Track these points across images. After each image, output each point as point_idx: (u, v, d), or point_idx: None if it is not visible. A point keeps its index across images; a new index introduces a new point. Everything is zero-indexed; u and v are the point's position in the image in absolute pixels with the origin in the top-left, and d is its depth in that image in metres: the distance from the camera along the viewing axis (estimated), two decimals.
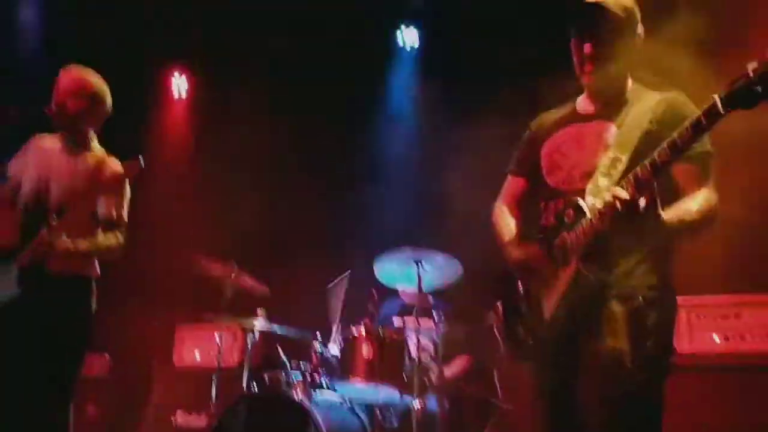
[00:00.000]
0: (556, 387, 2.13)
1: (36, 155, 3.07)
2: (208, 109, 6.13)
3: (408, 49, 5.71)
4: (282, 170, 5.28)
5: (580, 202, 2.03)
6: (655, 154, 1.83)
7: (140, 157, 2.79)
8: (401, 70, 5.65)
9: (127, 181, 2.81)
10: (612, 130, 2.13)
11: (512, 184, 2.46)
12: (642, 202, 1.85)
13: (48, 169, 3.00)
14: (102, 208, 2.93)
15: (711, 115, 1.71)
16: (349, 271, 4.32)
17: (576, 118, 2.27)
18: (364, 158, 5.32)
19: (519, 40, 4.81)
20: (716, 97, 1.69)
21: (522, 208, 2.43)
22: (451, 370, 4.29)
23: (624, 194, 1.85)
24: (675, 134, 1.80)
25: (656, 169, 1.82)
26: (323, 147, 5.39)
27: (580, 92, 2.31)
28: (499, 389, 3.74)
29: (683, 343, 3.66)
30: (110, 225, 2.99)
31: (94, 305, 2.98)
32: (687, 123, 1.78)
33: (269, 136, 5.21)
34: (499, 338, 3.56)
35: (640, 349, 1.94)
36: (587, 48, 2.14)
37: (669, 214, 1.93)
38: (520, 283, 2.23)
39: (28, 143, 3.13)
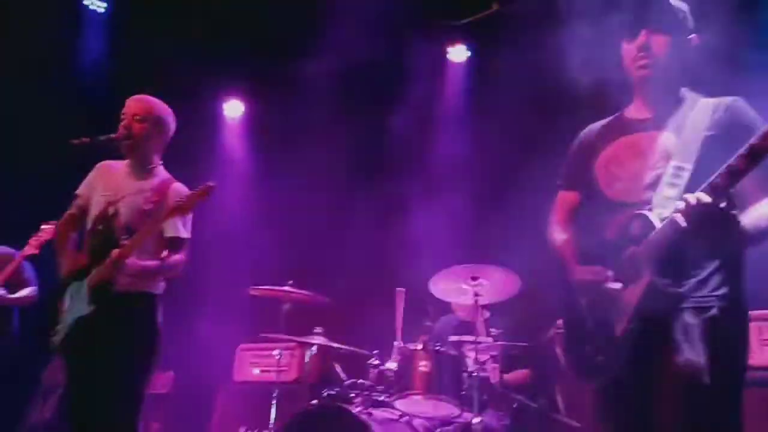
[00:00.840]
0: (629, 405, 2.07)
1: (104, 179, 3.21)
2: (262, 132, 6.28)
3: (457, 61, 5.73)
4: (338, 189, 5.35)
5: (648, 213, 1.99)
6: (734, 161, 1.77)
7: (211, 182, 2.90)
8: (452, 83, 5.66)
9: (194, 203, 2.90)
10: (670, 138, 2.08)
11: (564, 199, 2.41)
12: (722, 206, 1.81)
13: (116, 192, 3.13)
14: (167, 228, 3.04)
15: None
16: (404, 289, 4.35)
17: (628, 126, 2.22)
18: (420, 175, 5.33)
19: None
20: None
21: (576, 223, 2.38)
22: (510, 378, 4.24)
23: (707, 198, 1.79)
24: (755, 140, 1.74)
25: (734, 176, 1.77)
26: (379, 165, 5.44)
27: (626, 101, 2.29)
28: (561, 405, 3.69)
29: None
30: (175, 244, 3.10)
31: (160, 321, 3.09)
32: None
33: (325, 155, 5.30)
34: (559, 353, 3.55)
35: (717, 363, 1.88)
36: (643, 36, 2.09)
37: (744, 220, 1.89)
38: (583, 300, 2.16)
39: (96, 168, 3.28)
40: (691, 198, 1.83)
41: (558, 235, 2.38)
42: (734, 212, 1.85)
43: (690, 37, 2.15)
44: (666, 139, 2.09)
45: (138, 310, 3.03)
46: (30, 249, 4.20)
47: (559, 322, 3.55)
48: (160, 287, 3.13)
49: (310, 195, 5.34)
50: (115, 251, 2.89)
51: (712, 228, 1.83)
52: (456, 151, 5.33)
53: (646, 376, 2.00)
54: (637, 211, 2.01)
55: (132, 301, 3.01)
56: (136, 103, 3.20)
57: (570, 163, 2.40)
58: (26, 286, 4.37)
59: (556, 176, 2.46)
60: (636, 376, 2.02)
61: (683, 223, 1.85)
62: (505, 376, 4.10)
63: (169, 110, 3.26)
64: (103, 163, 3.29)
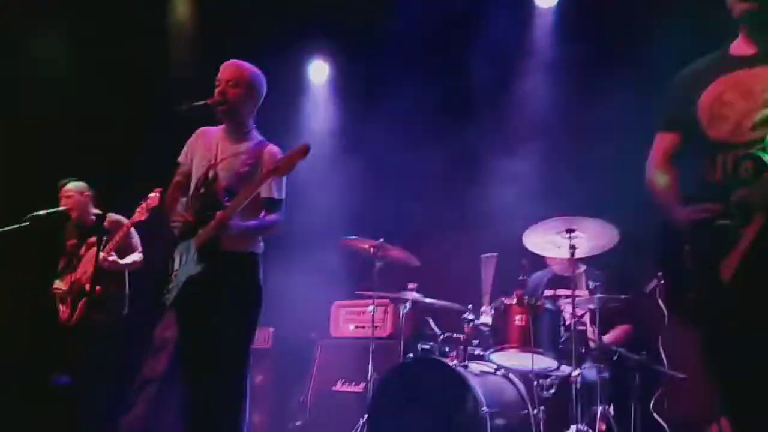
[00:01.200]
0: (737, 349, 2.01)
1: (203, 144, 3.32)
2: (348, 91, 6.29)
3: (545, 7, 5.50)
4: (426, 146, 5.30)
5: (760, 154, 1.90)
6: None
7: (306, 142, 2.94)
8: (541, 31, 5.45)
9: (292, 163, 2.95)
10: None
11: (664, 141, 2.32)
12: None
13: (214, 156, 3.24)
14: (264, 189, 3.12)
15: None
16: (497, 254, 4.32)
17: (734, 63, 2.11)
18: (510, 127, 5.21)
19: None
20: None
21: (676, 165, 2.30)
22: (610, 339, 4.17)
23: None
24: None
25: None
26: (468, 119, 5.35)
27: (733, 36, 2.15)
28: (664, 357, 3.58)
29: None
30: (271, 205, 3.19)
31: (261, 279, 3.20)
32: None
33: (412, 112, 5.26)
34: (662, 305, 3.44)
35: None
36: None
37: None
38: (687, 246, 2.10)
39: (194, 134, 3.40)
40: None
41: (658, 178, 2.30)
42: None
43: None
44: None
45: (242, 269, 3.15)
46: (138, 216, 4.40)
47: (661, 273, 3.46)
48: (260, 247, 3.24)
49: (399, 152, 5.33)
50: (219, 213, 3.00)
51: None
52: (548, 99, 5.16)
53: (755, 320, 1.93)
54: (747, 152, 1.93)
55: (236, 260, 3.12)
56: (229, 69, 3.27)
57: (669, 103, 2.30)
58: (134, 252, 4.62)
59: (655, 118, 2.36)
60: (744, 321, 1.96)
61: None
62: (605, 338, 4.03)
63: (261, 74, 3.32)
64: (201, 129, 3.40)
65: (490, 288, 4.28)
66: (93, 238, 4.53)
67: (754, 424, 2.01)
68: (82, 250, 4.62)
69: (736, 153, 1.97)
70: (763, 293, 1.92)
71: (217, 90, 3.24)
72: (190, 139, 3.39)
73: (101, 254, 4.31)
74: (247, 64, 3.30)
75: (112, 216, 4.57)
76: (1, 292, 4.55)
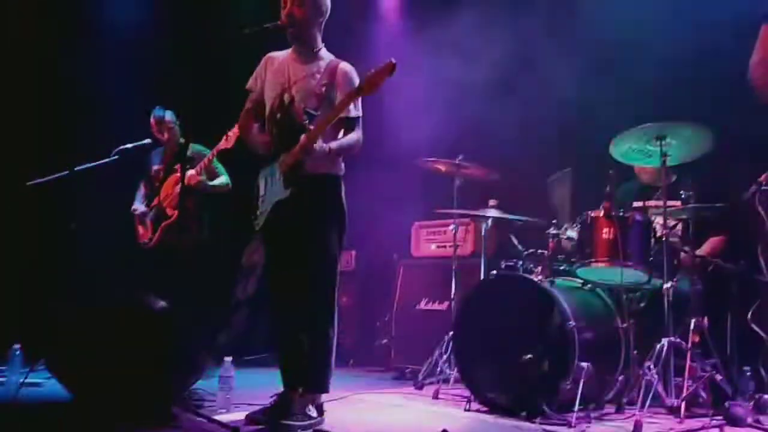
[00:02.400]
0: None
1: (272, 70, 3.30)
2: (419, 7, 6.08)
3: None
4: (503, 58, 5.09)
5: None
6: None
7: (393, 60, 2.85)
8: None
9: (379, 82, 2.88)
10: None
11: None
12: None
13: (287, 80, 3.21)
14: (337, 107, 3.08)
15: None
16: (570, 168, 4.15)
17: None
18: (590, 39, 4.91)
19: None
20: None
21: None
22: (705, 250, 4.00)
23: None
24: None
25: None
26: (547, 31, 5.08)
27: None
28: (764, 266, 3.40)
29: None
30: (349, 124, 3.16)
31: (345, 201, 3.21)
32: None
33: (488, 28, 5.05)
34: (762, 212, 3.25)
35: None
36: None
37: None
38: None
39: (263, 61, 3.37)
40: None
41: (763, 70, 2.10)
42: None
43: None
44: None
45: (326, 191, 3.17)
46: (224, 143, 4.48)
47: (763, 178, 3.25)
48: (341, 168, 3.24)
49: (474, 67, 5.15)
50: (303, 137, 2.99)
51: None
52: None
53: None
54: None
55: (320, 182, 3.14)
56: None
57: None
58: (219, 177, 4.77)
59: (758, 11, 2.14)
60: None
61: None
62: (699, 251, 3.86)
63: None
64: (267, 55, 3.37)
65: (569, 208, 4.13)
66: (177, 165, 4.70)
67: None
68: (167, 176, 4.82)
69: None
70: None
71: (283, 12, 3.18)
72: (258, 67, 3.37)
73: (190, 173, 4.49)
74: None
75: (195, 146, 4.69)
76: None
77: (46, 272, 5.01)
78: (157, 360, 3.01)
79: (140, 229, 4.80)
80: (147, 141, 4.50)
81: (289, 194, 3.06)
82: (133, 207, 4.84)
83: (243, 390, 3.56)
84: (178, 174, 4.65)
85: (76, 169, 4.00)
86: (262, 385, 3.47)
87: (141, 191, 4.92)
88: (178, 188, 4.60)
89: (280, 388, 3.18)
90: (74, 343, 3.14)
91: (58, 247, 4.91)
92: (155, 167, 4.87)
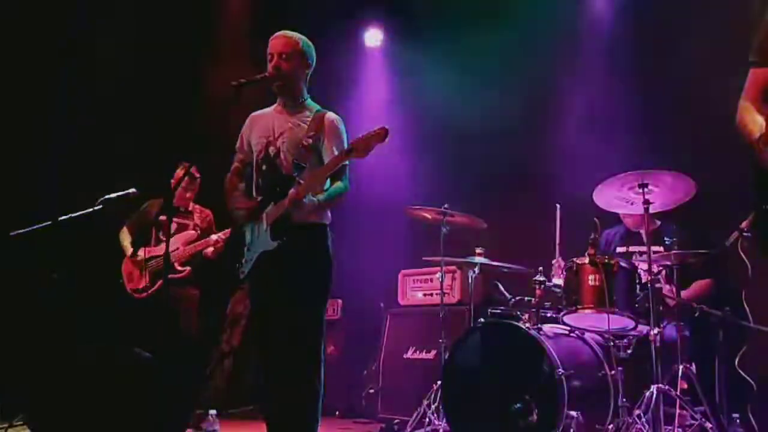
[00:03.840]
0: None
1: (257, 126, 3.32)
2: (402, 60, 6.20)
3: None
4: (484, 106, 5.19)
5: None
6: None
7: (386, 126, 2.89)
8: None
9: (372, 146, 2.90)
10: None
11: (757, 77, 2.18)
12: None
13: (273, 133, 3.24)
14: (329, 158, 3.10)
15: None
16: (559, 205, 4.20)
17: None
18: (576, 79, 5.03)
19: None
20: None
21: None
22: (689, 294, 4.02)
23: None
24: None
25: None
26: (529, 73, 5.20)
27: None
28: (749, 313, 3.42)
29: None
30: (337, 173, 3.17)
31: (332, 250, 3.21)
32: None
33: (469, 76, 5.16)
34: (745, 258, 3.28)
35: None
36: None
37: None
38: None
39: (248, 120, 3.39)
40: None
41: (747, 115, 2.15)
42: None
43: None
44: None
45: (313, 241, 3.15)
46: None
47: (744, 224, 3.29)
48: (328, 217, 3.24)
49: (456, 116, 5.24)
50: (293, 191, 3.00)
51: None
52: (612, 50, 4.94)
53: None
54: None
55: (307, 232, 3.13)
56: (280, 41, 3.23)
57: (763, 36, 2.13)
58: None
59: (747, 52, 2.21)
60: None
61: None
62: (684, 293, 3.88)
63: (309, 41, 3.28)
64: (251, 115, 3.40)
65: (558, 239, 4.17)
66: (185, 221, 4.80)
67: None
68: (173, 227, 4.77)
69: None
70: None
71: (270, 65, 3.22)
72: (244, 127, 3.39)
73: (214, 237, 4.58)
74: (296, 34, 3.25)
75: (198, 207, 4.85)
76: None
77: (27, 322, 4.92)
78: (141, 413, 2.94)
79: (132, 275, 4.74)
80: (132, 190, 4.49)
81: (276, 246, 3.05)
82: (130, 252, 4.77)
83: None
84: (191, 231, 4.73)
85: (59, 219, 3.97)
86: None
87: (126, 235, 4.84)
88: (189, 247, 4.66)
89: None
90: (55, 395, 3.06)
91: (41, 297, 4.84)
92: (161, 217, 4.76)
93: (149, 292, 4.63)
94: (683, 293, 3.91)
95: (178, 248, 4.69)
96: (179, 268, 4.67)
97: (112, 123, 5.56)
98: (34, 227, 4.02)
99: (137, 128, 5.63)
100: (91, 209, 4.17)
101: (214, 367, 4.78)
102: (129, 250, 4.74)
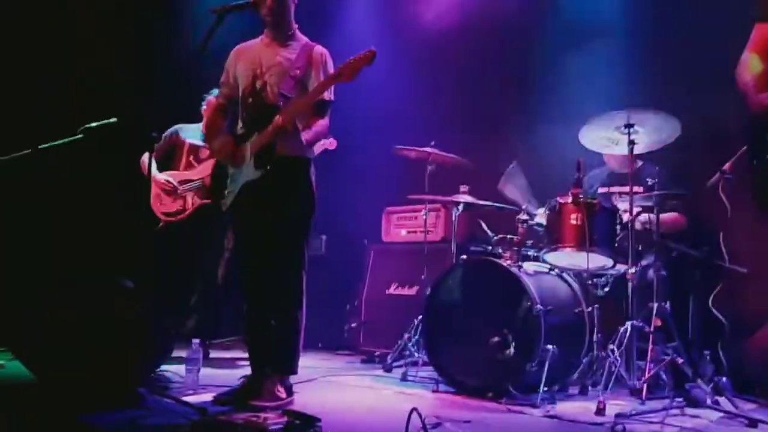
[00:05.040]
0: None
1: (244, 59, 3.26)
2: None
3: None
4: (474, 43, 5.12)
5: None
6: None
7: (373, 48, 2.84)
8: None
9: (358, 69, 2.86)
10: None
11: (761, 31, 2.21)
12: None
13: (260, 66, 3.18)
14: (315, 89, 3.06)
15: None
16: (515, 162, 4.19)
17: None
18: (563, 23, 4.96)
19: None
20: None
21: None
22: (666, 224, 4.03)
23: None
24: None
25: None
26: (512, 14, 5.12)
27: None
28: (725, 253, 3.49)
29: None
30: (320, 108, 3.14)
31: (315, 184, 3.20)
32: None
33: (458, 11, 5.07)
34: (725, 199, 3.33)
35: None
36: None
37: None
38: None
39: (232, 53, 3.32)
40: None
41: (753, 63, 2.22)
42: None
43: None
44: None
45: (296, 173, 3.15)
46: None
47: (726, 166, 3.33)
48: (312, 151, 3.22)
49: (446, 51, 5.16)
50: (278, 118, 2.97)
51: None
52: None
53: None
54: None
55: (290, 164, 3.12)
56: None
57: None
58: None
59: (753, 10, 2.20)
60: None
61: None
62: (662, 216, 3.92)
63: None
64: (236, 47, 3.34)
65: (529, 196, 4.17)
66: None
67: None
68: (206, 153, 4.74)
69: None
70: None
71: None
72: (228, 60, 3.33)
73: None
74: None
75: None
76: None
77: (10, 255, 4.92)
78: (124, 341, 2.98)
79: (161, 197, 4.73)
80: (113, 119, 4.42)
81: (259, 175, 3.04)
82: (165, 177, 4.73)
83: (211, 372, 3.54)
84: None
85: (39, 147, 3.91)
86: (230, 368, 3.46)
87: (152, 161, 4.79)
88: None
89: (249, 371, 3.17)
90: (37, 322, 3.08)
91: (25, 231, 4.83)
92: (193, 142, 4.81)
93: (186, 214, 4.67)
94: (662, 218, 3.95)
95: (209, 174, 4.64)
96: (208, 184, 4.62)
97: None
98: (13, 155, 3.96)
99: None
100: (71, 137, 4.11)
101: (198, 298, 4.81)
102: (162, 175, 4.73)
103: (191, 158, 4.82)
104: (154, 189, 4.74)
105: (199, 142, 4.81)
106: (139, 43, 5.55)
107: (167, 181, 4.70)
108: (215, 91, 4.69)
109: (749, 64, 2.18)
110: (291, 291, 3.11)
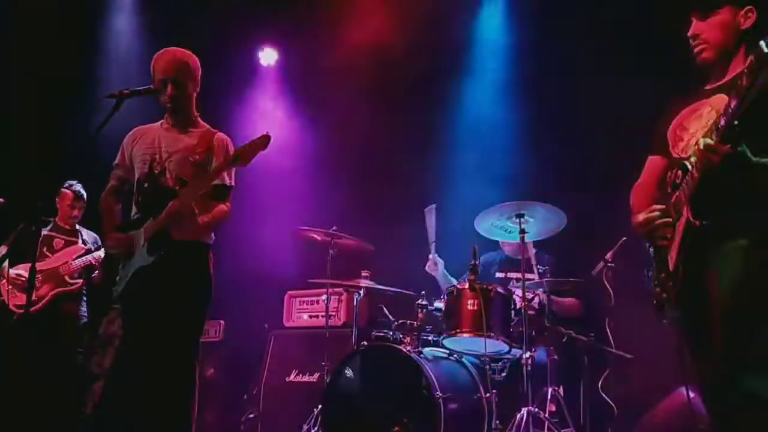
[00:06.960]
0: (692, 335, 2.27)
1: (141, 142, 3.19)
2: (297, 80, 6.21)
3: None
4: (375, 134, 5.29)
5: (685, 162, 2.21)
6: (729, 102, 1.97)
7: (269, 133, 2.88)
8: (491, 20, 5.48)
9: (254, 153, 2.88)
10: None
11: (653, 163, 2.54)
12: (727, 148, 2.00)
13: (159, 150, 3.13)
14: (211, 173, 3.03)
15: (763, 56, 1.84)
16: (434, 204, 4.35)
17: (702, 95, 2.37)
18: (460, 115, 5.25)
19: None
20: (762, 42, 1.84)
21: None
22: (559, 307, 4.20)
23: (709, 141, 2.02)
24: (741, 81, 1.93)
25: (733, 116, 1.96)
26: (416, 109, 5.36)
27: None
28: (611, 339, 3.67)
29: None
30: (220, 193, 3.11)
31: (211, 270, 3.13)
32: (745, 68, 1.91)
33: (359, 102, 5.25)
34: (609, 287, 3.53)
35: (753, 282, 2.06)
36: None
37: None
38: (648, 245, 2.40)
39: (129, 135, 3.27)
40: (700, 142, 2.05)
41: (635, 194, 2.54)
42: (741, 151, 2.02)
43: None
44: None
45: (192, 259, 3.07)
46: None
47: (608, 255, 3.57)
48: (210, 237, 3.16)
49: (348, 140, 5.31)
50: (173, 202, 2.91)
51: (722, 168, 2.04)
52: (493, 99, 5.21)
53: (695, 305, 2.19)
54: (679, 162, 2.27)
55: (186, 250, 3.04)
56: (167, 65, 3.10)
57: (664, 131, 2.47)
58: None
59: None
60: (688, 307, 2.23)
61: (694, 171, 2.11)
62: (554, 298, 4.10)
63: (195, 57, 3.21)
64: (135, 129, 3.28)
65: (434, 237, 4.35)
66: (72, 238, 4.82)
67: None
68: (60, 243, 4.79)
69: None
70: (693, 284, 2.19)
71: (162, 85, 3.11)
72: (126, 140, 3.26)
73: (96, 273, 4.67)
74: (182, 53, 3.15)
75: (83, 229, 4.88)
76: None
77: None
78: None
79: (13, 291, 4.57)
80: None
81: (152, 261, 2.94)
82: (8, 270, 4.55)
83: None
84: (80, 245, 4.77)
85: None
86: None
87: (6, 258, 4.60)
88: (79, 261, 4.66)
89: None
90: None
91: None
92: (45, 232, 4.73)
93: (39, 306, 4.54)
94: (555, 299, 4.14)
95: (67, 262, 4.67)
96: (70, 281, 4.66)
97: None
98: None
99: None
100: None
101: (84, 390, 4.50)
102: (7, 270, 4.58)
103: (44, 249, 4.75)
104: (5, 285, 4.62)
105: (52, 233, 4.79)
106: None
107: (18, 275, 4.58)
108: (73, 183, 4.76)
109: (636, 191, 2.54)
110: (182, 383, 2.96)
